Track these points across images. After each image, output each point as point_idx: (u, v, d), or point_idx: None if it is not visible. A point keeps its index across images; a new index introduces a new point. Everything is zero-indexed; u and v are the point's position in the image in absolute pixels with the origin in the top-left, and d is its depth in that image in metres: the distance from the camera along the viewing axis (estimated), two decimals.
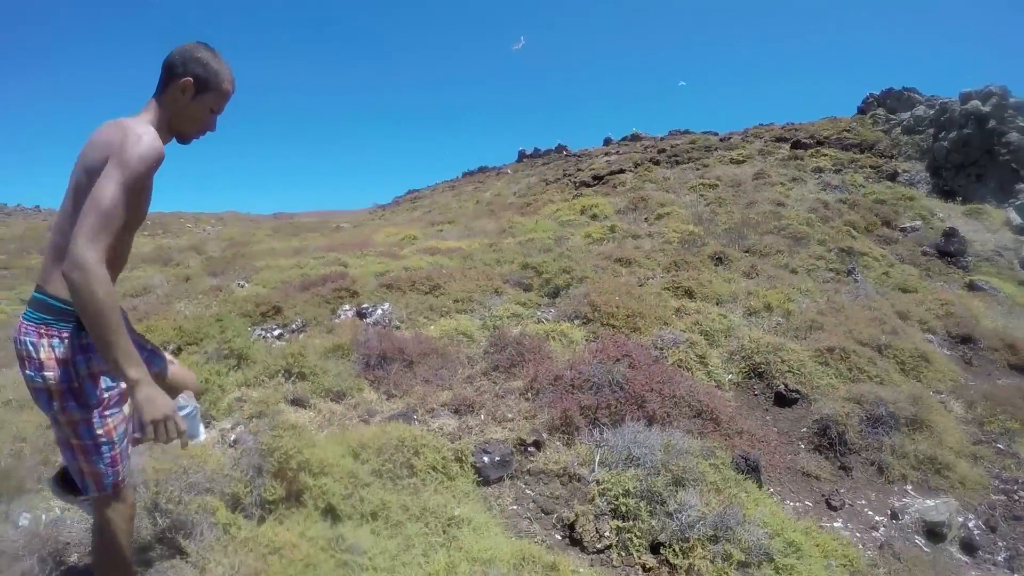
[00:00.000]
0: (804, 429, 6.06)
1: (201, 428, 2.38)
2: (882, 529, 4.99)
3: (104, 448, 2.23)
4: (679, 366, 6.42)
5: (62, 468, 2.59)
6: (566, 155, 41.27)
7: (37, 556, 3.21)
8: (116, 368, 1.97)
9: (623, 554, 3.86)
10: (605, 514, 4.08)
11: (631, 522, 3.99)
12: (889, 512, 5.19)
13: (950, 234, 14.60)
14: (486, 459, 4.45)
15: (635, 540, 3.89)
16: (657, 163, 25.97)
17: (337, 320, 7.38)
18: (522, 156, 47.71)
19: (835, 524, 4.97)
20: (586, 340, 6.89)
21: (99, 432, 2.21)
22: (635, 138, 41.74)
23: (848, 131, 27.68)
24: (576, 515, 4.07)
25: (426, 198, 40.88)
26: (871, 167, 21.95)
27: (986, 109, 19.69)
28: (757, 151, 25.83)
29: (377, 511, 3.66)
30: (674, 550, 3.76)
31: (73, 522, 3.62)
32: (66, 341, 2.14)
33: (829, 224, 14.54)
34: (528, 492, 4.43)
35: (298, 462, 3.58)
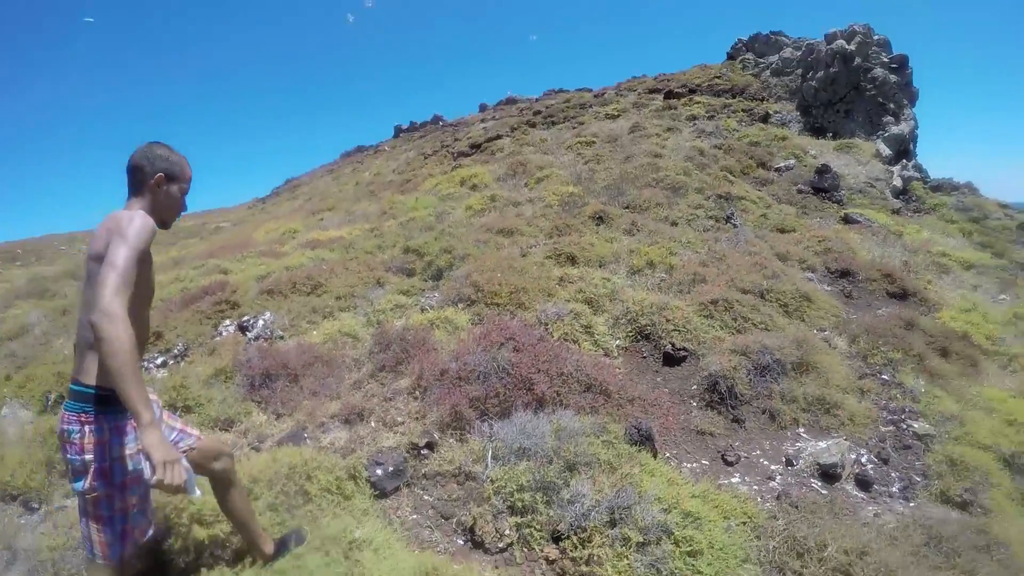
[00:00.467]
0: (695, 387, 6.06)
1: (197, 489, 2.58)
2: (778, 478, 5.03)
3: (117, 521, 2.53)
4: (565, 340, 6.33)
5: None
6: (443, 126, 40.86)
7: None
8: (131, 408, 2.20)
9: (525, 550, 3.78)
10: (503, 512, 3.98)
11: (529, 516, 3.90)
12: (784, 459, 5.25)
13: (823, 170, 15.18)
14: (380, 471, 4.32)
15: (535, 534, 3.80)
16: (533, 125, 26.06)
17: (219, 338, 7.10)
18: (399, 131, 47.02)
19: (732, 480, 4.97)
20: (471, 324, 6.75)
21: (117, 507, 2.52)
22: (511, 102, 41.70)
23: (719, 77, 28.47)
24: (474, 517, 3.96)
25: (305, 185, 39.81)
26: (744, 111, 22.66)
27: (851, 47, 20.58)
28: (632, 104, 26.23)
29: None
30: (573, 541, 3.69)
31: None
32: (103, 426, 2.47)
33: (706, 171, 14.84)
34: (426, 498, 4.31)
35: (189, 515, 3.44)
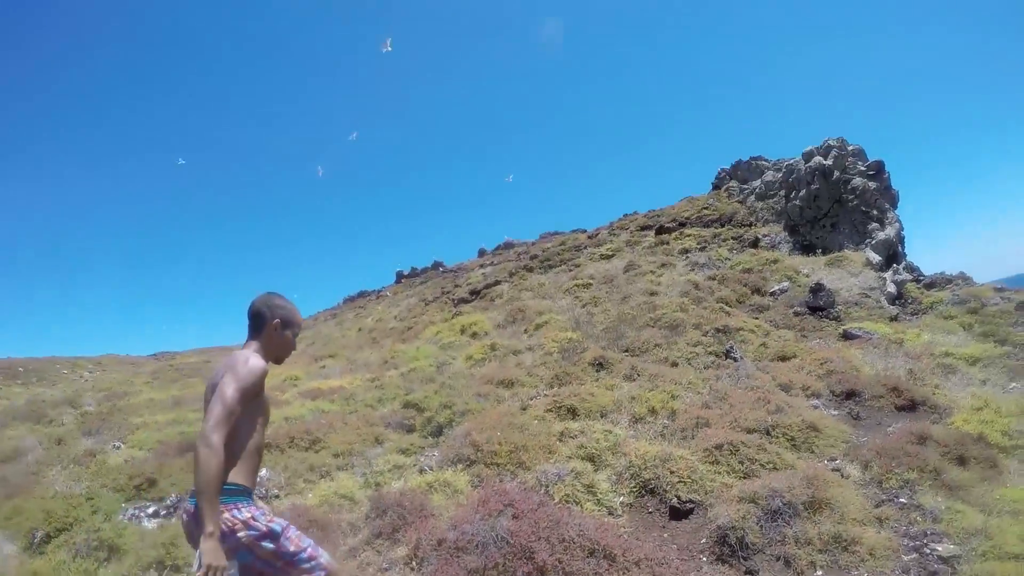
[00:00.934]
0: (704, 540, 5.97)
1: None
2: None
3: (301, 555, 3.03)
4: (567, 501, 6.31)
5: None
6: (443, 271, 41.84)
7: None
8: (203, 517, 2.64)
9: None
10: None
11: None
12: None
13: (816, 289, 15.42)
14: None
15: None
16: (531, 270, 26.75)
17: None
18: (400, 277, 48.20)
19: None
20: (471, 486, 6.76)
21: (291, 548, 3.01)
22: (508, 246, 42.87)
23: (707, 208, 29.41)
24: None
25: (308, 328, 40.41)
26: (733, 238, 23.28)
27: (828, 162, 21.47)
28: (625, 243, 26.99)
29: None
30: None
31: None
32: (244, 508, 2.90)
33: (702, 304, 15.11)
34: None
35: None
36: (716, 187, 33.67)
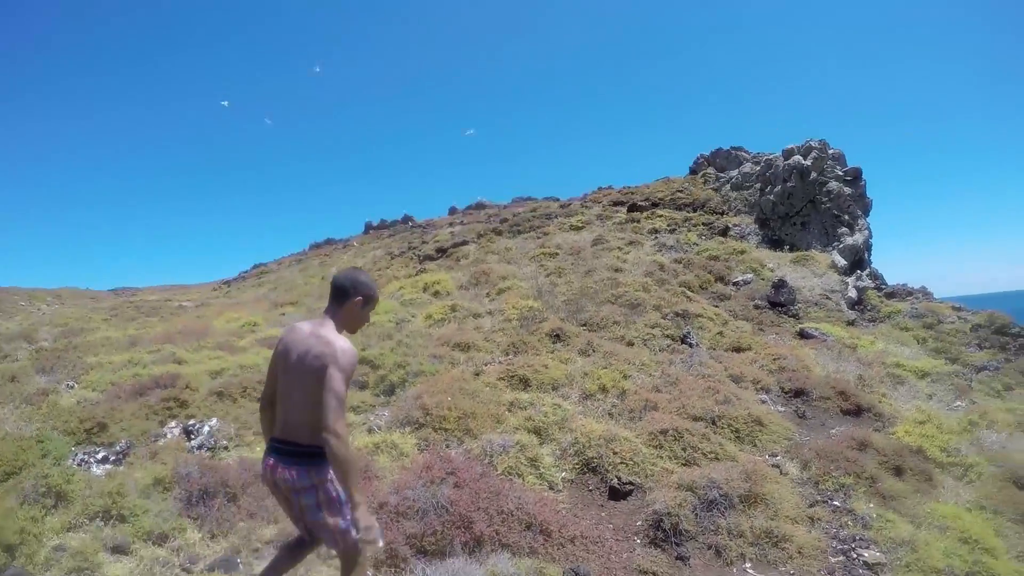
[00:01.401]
0: (640, 522, 6.04)
1: (381, 539, 3.30)
2: None
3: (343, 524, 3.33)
4: (509, 473, 6.32)
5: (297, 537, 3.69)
6: (412, 226, 41.51)
7: None
8: (351, 496, 3.11)
9: None
10: None
11: None
12: None
13: (779, 285, 15.59)
14: None
15: None
16: (500, 233, 26.61)
17: (162, 441, 6.98)
18: (368, 228, 47.69)
19: None
20: (417, 450, 6.73)
21: (345, 511, 3.32)
22: (479, 206, 42.59)
23: (681, 191, 29.45)
24: None
25: (272, 273, 39.94)
26: (704, 224, 23.38)
27: (807, 163, 21.60)
28: (596, 216, 26.96)
29: None
30: None
31: None
32: (324, 469, 3.27)
33: (665, 287, 15.19)
34: None
35: None
36: (693, 172, 33.69)
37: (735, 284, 16.74)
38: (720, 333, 12.50)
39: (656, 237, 21.54)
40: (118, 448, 6.83)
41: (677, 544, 5.70)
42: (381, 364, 9.35)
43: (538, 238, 23.96)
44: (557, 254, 19.89)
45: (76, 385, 9.62)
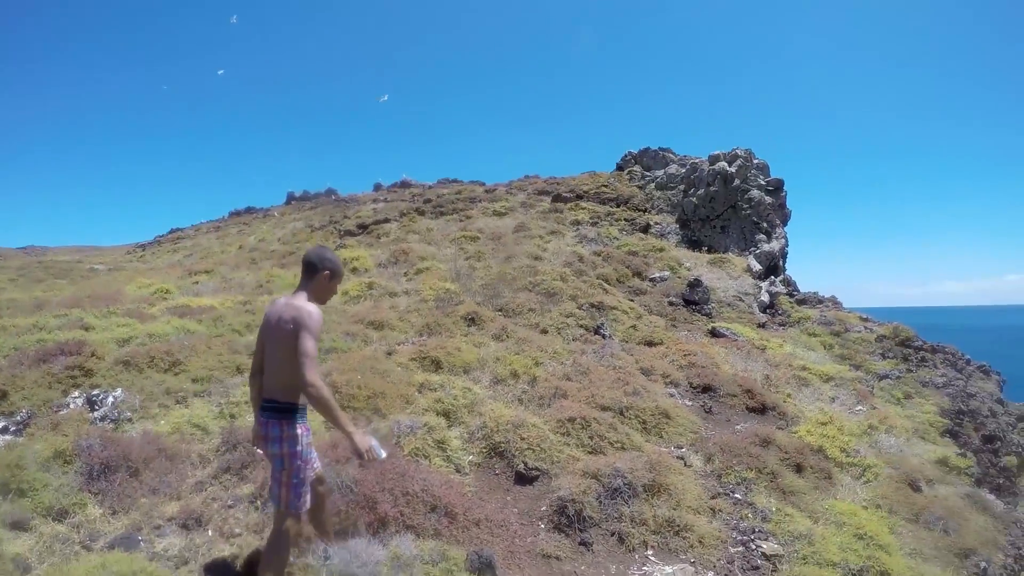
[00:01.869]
0: (544, 508, 6.03)
1: (382, 451, 3.92)
2: None
3: (301, 485, 3.89)
4: (416, 455, 6.25)
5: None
6: (335, 199, 40.73)
7: None
8: (342, 430, 3.73)
9: None
10: None
11: None
12: None
13: (695, 284, 15.92)
14: None
15: None
16: (422, 213, 26.42)
17: (65, 412, 6.73)
18: (291, 198, 46.47)
19: None
20: (325, 428, 6.55)
21: (302, 476, 3.88)
22: (404, 185, 42.09)
23: (606, 186, 29.79)
24: None
25: (189, 239, 38.69)
26: (626, 220, 23.73)
27: (732, 169, 22.16)
28: (520, 203, 27.06)
29: None
30: None
31: None
32: (294, 425, 3.87)
33: (583, 278, 15.31)
34: None
35: None
36: (620, 168, 34.15)
37: (652, 280, 17.01)
38: (634, 327, 12.67)
39: (578, 229, 21.75)
40: (18, 418, 6.60)
41: (581, 530, 5.73)
42: None
43: (461, 221, 23.91)
44: (478, 238, 19.87)
45: None
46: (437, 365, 8.86)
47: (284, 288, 13.81)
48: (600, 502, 6.00)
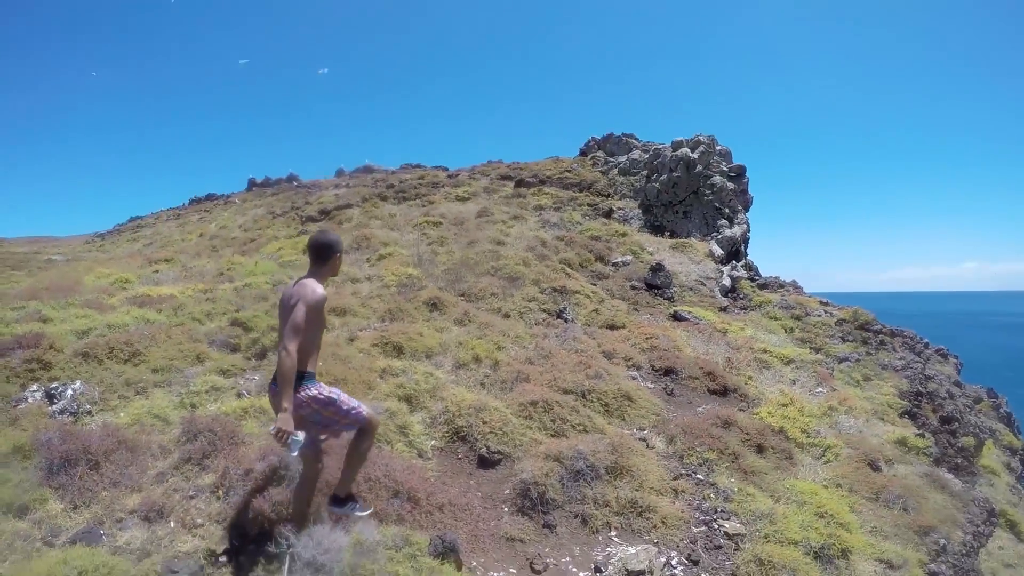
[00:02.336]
0: (507, 491, 6.07)
1: (295, 452, 4.00)
2: None
3: (351, 410, 4.40)
4: (378, 441, 6.19)
5: (332, 494, 4.72)
6: (297, 185, 40.33)
7: None
8: (280, 402, 3.92)
9: None
10: None
11: None
12: (593, 566, 5.31)
13: (657, 268, 16.03)
14: None
15: None
16: (385, 199, 26.27)
17: (23, 406, 6.61)
18: (252, 184, 46.00)
19: None
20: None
21: (344, 408, 4.38)
22: (367, 170, 41.75)
23: (569, 171, 29.89)
24: None
25: (149, 227, 38.04)
26: (589, 205, 23.80)
27: (695, 155, 22.34)
28: (483, 188, 27.02)
29: None
30: None
31: None
32: (312, 387, 4.27)
33: (545, 262, 15.33)
34: None
35: None
36: (583, 153, 34.29)
37: (614, 264, 17.11)
38: (596, 311, 12.74)
39: (541, 214, 21.78)
40: None
41: (544, 513, 5.79)
42: (254, 326, 9.01)
43: (423, 206, 23.82)
44: (441, 223, 19.78)
45: None
46: (399, 351, 8.82)
47: (245, 276, 13.65)
48: (563, 484, 6.05)
